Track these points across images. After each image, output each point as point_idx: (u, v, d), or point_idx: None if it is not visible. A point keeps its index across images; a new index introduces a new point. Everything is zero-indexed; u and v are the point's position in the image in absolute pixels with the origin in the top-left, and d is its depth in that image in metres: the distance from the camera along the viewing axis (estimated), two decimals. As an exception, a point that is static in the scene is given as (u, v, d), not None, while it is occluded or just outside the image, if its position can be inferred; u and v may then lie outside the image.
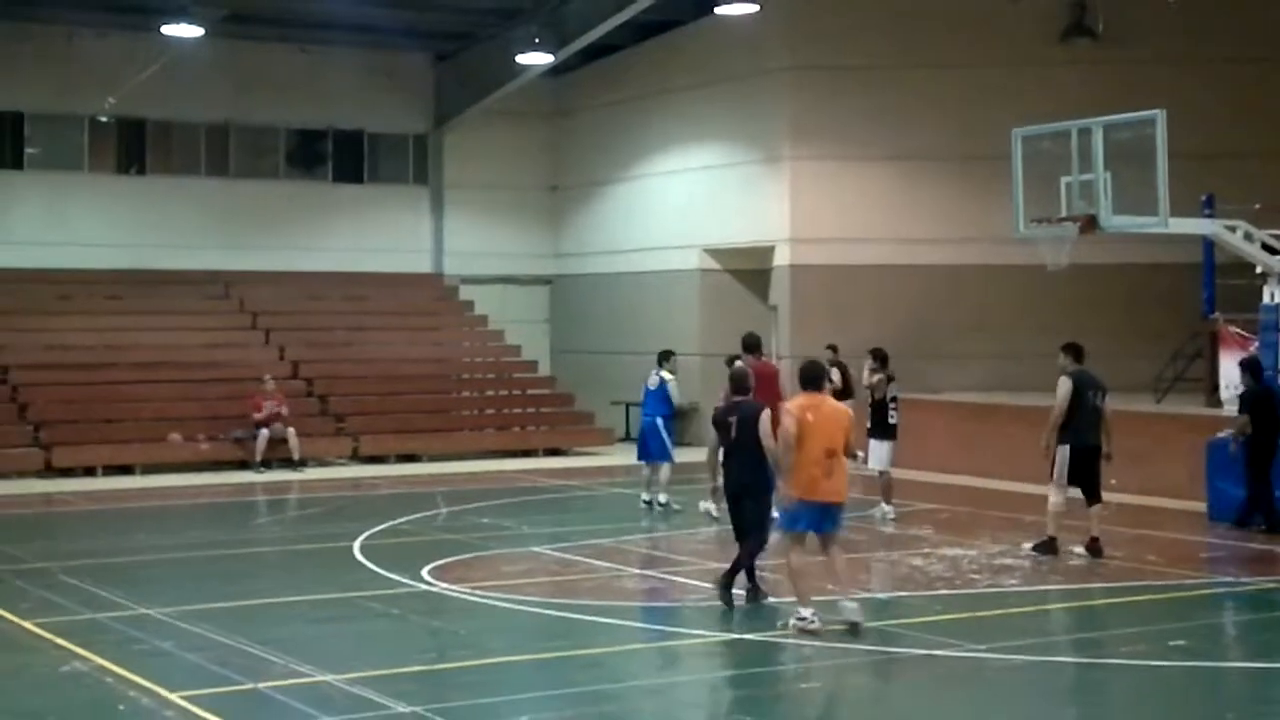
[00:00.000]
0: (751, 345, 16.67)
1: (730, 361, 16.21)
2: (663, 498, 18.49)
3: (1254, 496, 16.64)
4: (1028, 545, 15.64)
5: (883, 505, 17.85)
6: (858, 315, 26.02)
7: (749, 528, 12.68)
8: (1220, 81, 25.84)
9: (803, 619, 11.69)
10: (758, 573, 12.98)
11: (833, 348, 22.08)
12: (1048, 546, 15.35)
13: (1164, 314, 24.00)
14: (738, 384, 13.01)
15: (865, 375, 18.42)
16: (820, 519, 11.87)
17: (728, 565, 12.80)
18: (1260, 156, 25.07)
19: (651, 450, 18.66)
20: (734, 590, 12.63)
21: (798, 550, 11.89)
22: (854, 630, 11.63)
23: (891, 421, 17.98)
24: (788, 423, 11.69)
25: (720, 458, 12.70)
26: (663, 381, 18.55)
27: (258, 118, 31.10)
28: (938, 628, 12.17)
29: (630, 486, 22.46)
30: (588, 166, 32.25)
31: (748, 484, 12.53)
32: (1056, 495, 15.41)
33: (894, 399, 18.04)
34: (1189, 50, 25.84)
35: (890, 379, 18.08)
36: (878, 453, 17.92)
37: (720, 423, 12.71)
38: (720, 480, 12.75)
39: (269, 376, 25.68)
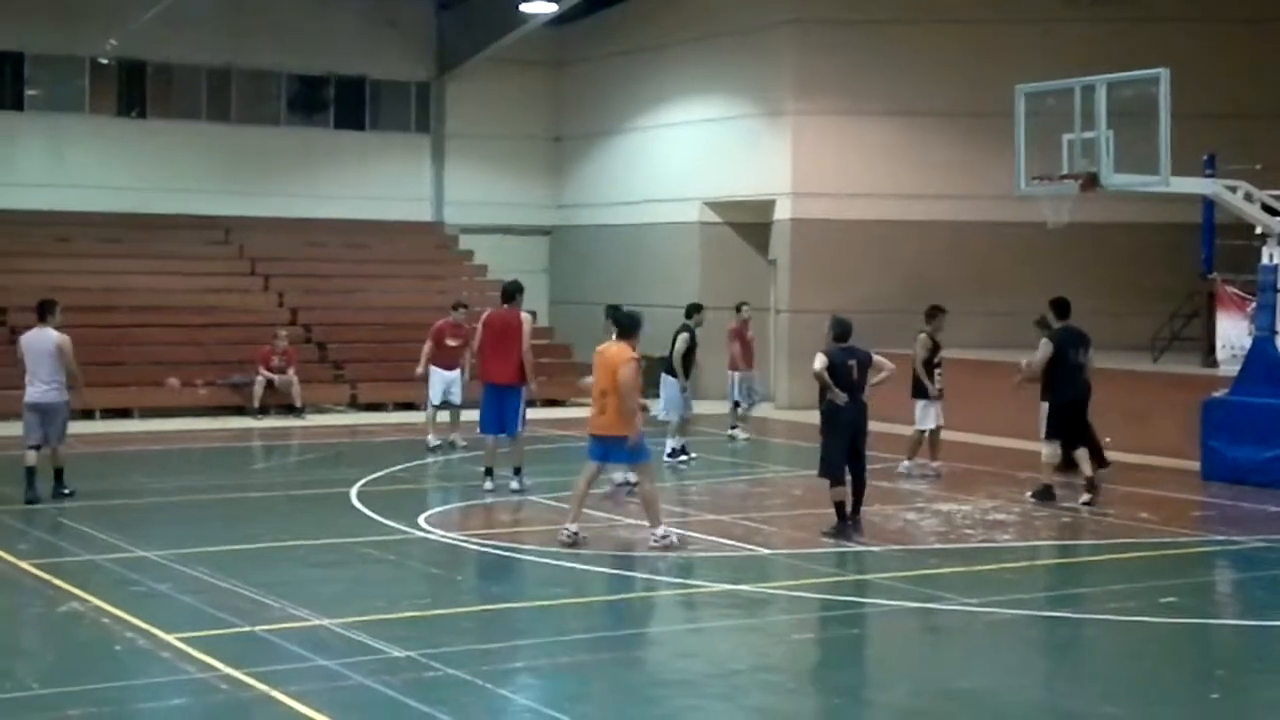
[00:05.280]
0: (510, 293, 16.60)
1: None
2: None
3: None
4: (1029, 494, 16.15)
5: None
6: (857, 270, 26.03)
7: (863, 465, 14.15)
8: (1224, 41, 25.76)
9: (665, 536, 13.16)
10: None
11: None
12: (1045, 494, 15.94)
13: (1163, 273, 24.01)
14: (843, 331, 14.07)
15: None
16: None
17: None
18: (1263, 117, 25.02)
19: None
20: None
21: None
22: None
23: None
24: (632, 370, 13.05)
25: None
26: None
27: (259, 62, 30.99)
28: (931, 581, 12.25)
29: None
30: (589, 117, 32.16)
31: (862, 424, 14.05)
32: (1047, 448, 16.13)
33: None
34: (1193, 9, 25.74)
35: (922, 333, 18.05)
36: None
37: (841, 367, 13.76)
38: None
39: (283, 331, 25.68)
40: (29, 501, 15.29)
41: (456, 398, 20.37)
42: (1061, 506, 15.71)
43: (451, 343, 20.35)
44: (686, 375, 18.41)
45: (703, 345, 19.12)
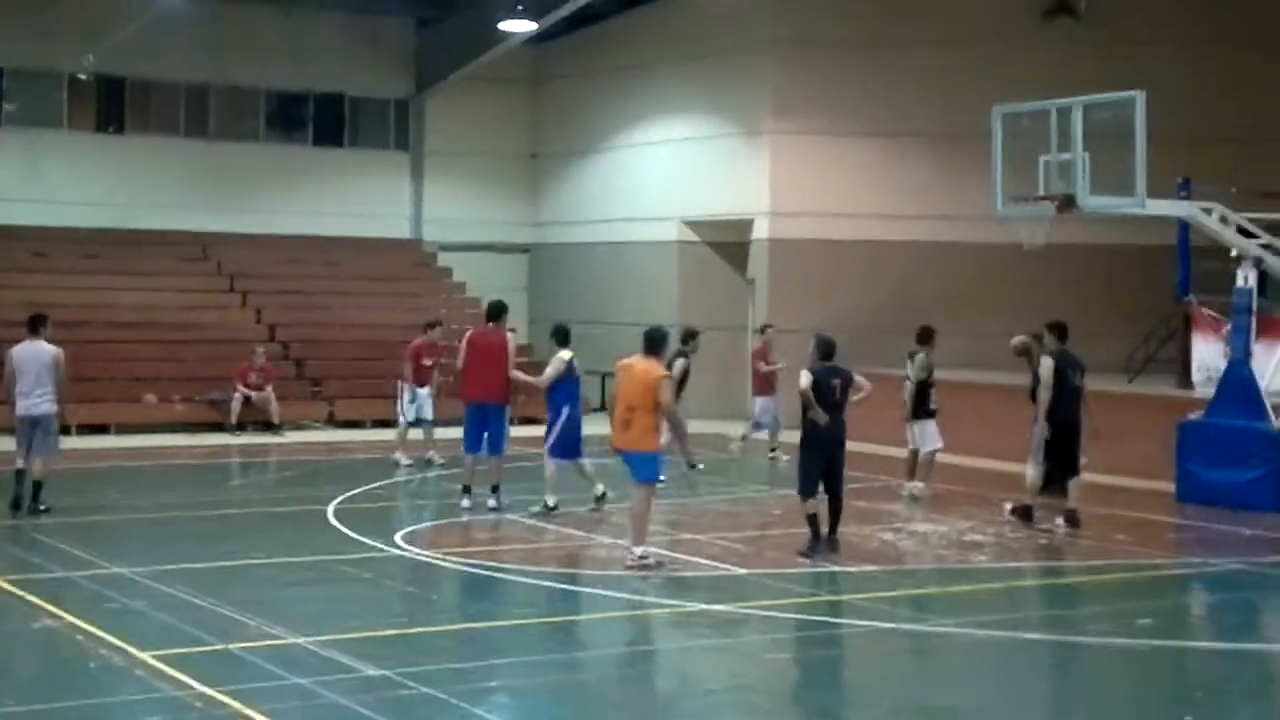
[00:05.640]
0: (494, 313, 16.63)
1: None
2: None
3: None
4: (1008, 505, 16.17)
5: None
6: (835, 290, 26.08)
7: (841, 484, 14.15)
8: (1200, 64, 25.92)
9: (644, 556, 13.14)
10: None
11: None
12: (1025, 513, 15.85)
13: (1139, 295, 24.10)
14: (828, 350, 14.18)
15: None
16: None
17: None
18: (1238, 139, 25.17)
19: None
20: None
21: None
22: None
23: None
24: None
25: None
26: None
27: (238, 79, 30.96)
28: (907, 602, 12.28)
29: (604, 455, 22.50)
30: (568, 136, 32.20)
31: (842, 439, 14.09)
32: (1033, 470, 15.86)
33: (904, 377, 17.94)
34: (1170, 32, 25.89)
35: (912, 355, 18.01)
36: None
37: (824, 385, 13.85)
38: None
39: (261, 348, 25.65)
40: (14, 503, 15.40)
41: (429, 414, 20.41)
42: (1038, 528, 15.72)
43: (427, 362, 20.49)
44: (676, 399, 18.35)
45: (698, 367, 19.33)
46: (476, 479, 16.51)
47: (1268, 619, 12.92)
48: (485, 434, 16.40)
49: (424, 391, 20.50)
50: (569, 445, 16.09)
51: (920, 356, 17.83)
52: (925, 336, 18.02)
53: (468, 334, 16.95)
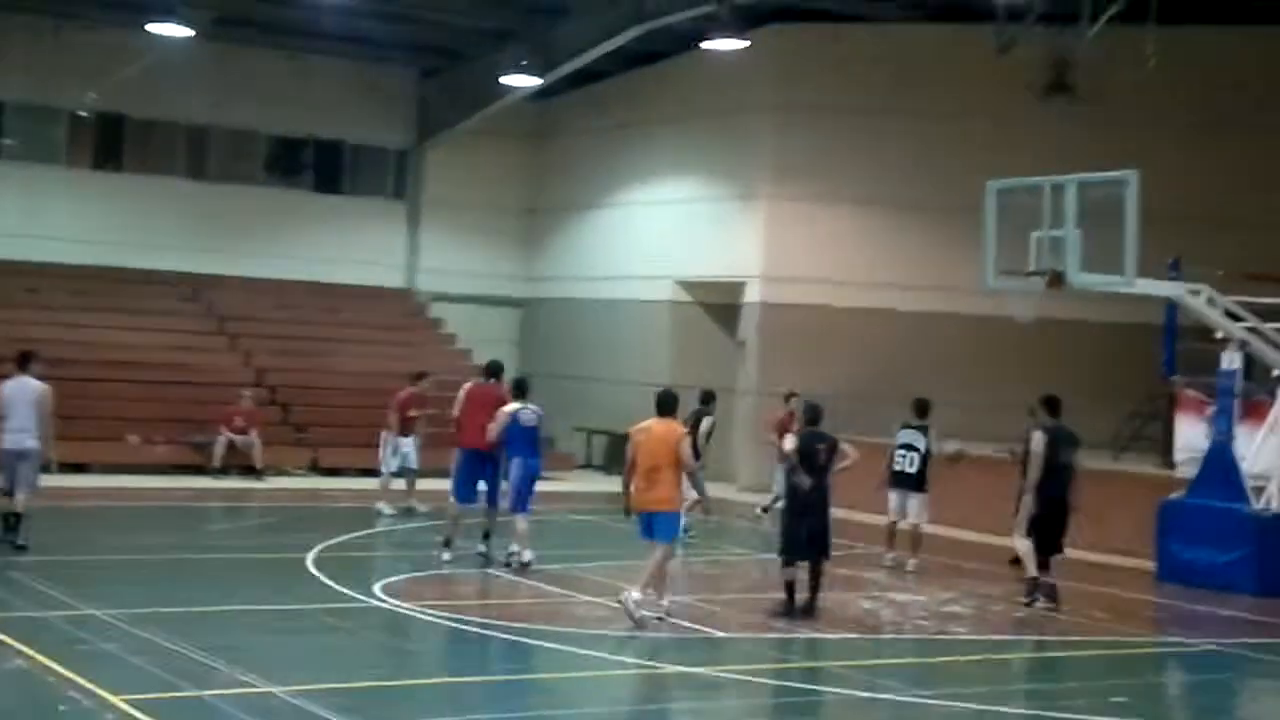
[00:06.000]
0: (493, 371, 16.90)
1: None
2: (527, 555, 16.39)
3: None
4: (1024, 600, 15.54)
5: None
6: (825, 356, 26.13)
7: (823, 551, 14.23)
8: (1194, 146, 26.11)
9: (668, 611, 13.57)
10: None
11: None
12: (1050, 592, 15.44)
13: (1126, 372, 24.15)
14: (814, 415, 14.45)
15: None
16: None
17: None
18: (1229, 220, 25.32)
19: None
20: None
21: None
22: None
23: (894, 469, 17.88)
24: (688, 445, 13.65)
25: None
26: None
27: (239, 122, 31.11)
28: (882, 671, 12.25)
29: (589, 513, 22.51)
30: (566, 191, 32.34)
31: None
32: (1022, 544, 15.71)
33: (900, 446, 17.89)
34: (1165, 114, 26.09)
35: (904, 425, 17.99)
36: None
37: (809, 450, 14.01)
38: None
39: (247, 392, 25.66)
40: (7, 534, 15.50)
41: (414, 463, 20.45)
42: (1018, 601, 15.69)
43: (414, 413, 20.57)
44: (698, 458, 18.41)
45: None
46: (460, 530, 16.48)
47: (1243, 700, 12.90)
48: (480, 481, 16.41)
49: (409, 441, 20.56)
50: (522, 497, 16.09)
51: (932, 432, 17.85)
52: (924, 410, 18.00)
53: (466, 387, 17.04)
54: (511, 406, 16.02)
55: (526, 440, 16.04)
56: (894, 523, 17.94)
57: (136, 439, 24.73)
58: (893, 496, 17.84)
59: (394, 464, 20.59)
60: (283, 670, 10.89)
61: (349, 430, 26.64)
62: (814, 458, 14.10)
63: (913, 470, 17.74)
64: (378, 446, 20.93)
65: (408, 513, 20.19)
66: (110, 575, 15.17)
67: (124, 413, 25.36)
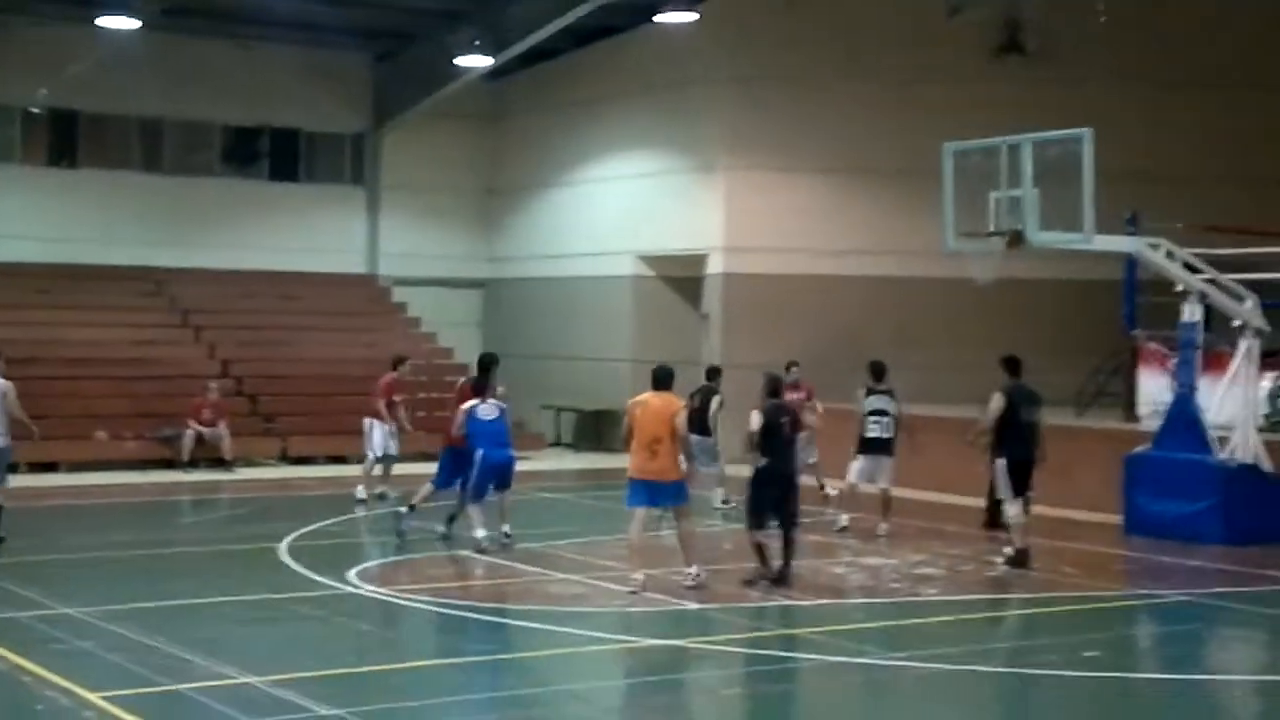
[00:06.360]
0: (485, 365, 17.00)
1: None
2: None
3: None
4: (1000, 560, 15.63)
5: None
6: (789, 324, 26.19)
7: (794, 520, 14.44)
8: (1147, 102, 26.28)
9: (699, 575, 13.94)
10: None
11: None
12: (1019, 559, 15.45)
13: (1088, 329, 24.34)
14: (776, 387, 14.76)
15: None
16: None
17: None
18: (1185, 176, 25.52)
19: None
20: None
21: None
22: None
23: (868, 435, 17.83)
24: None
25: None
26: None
27: (193, 113, 30.92)
28: (856, 635, 12.36)
29: (561, 491, 22.57)
30: (524, 171, 32.30)
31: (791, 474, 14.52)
32: (1013, 508, 15.63)
33: (871, 413, 17.84)
34: (1118, 70, 26.24)
35: (869, 391, 17.97)
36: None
37: (774, 424, 14.21)
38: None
39: (214, 384, 25.59)
40: None
41: (394, 450, 20.52)
42: (991, 560, 15.81)
43: (397, 399, 20.57)
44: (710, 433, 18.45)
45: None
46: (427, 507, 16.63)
47: (1213, 650, 13.06)
48: (460, 479, 16.52)
49: (390, 428, 20.52)
50: (475, 487, 16.18)
51: (894, 392, 17.90)
52: (885, 371, 18.05)
53: (460, 383, 17.44)
54: (470, 404, 16.27)
55: (487, 434, 16.17)
56: (854, 486, 17.93)
57: (104, 435, 24.64)
58: (863, 463, 17.82)
59: (380, 450, 20.45)
60: (260, 661, 10.92)
61: (317, 418, 26.65)
62: (779, 430, 14.25)
63: (888, 436, 17.78)
64: (365, 434, 20.73)
65: (380, 498, 20.17)
66: (83, 573, 15.15)
67: (91, 410, 25.25)
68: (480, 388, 16.52)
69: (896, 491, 18.18)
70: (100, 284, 29.23)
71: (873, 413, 17.84)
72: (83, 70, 27.75)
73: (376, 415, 20.43)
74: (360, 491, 20.19)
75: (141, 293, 29.70)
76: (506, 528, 16.38)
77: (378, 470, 20.54)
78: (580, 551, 16.33)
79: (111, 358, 26.96)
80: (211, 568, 15.63)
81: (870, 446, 17.80)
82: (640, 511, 14.06)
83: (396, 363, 21.15)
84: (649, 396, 14.00)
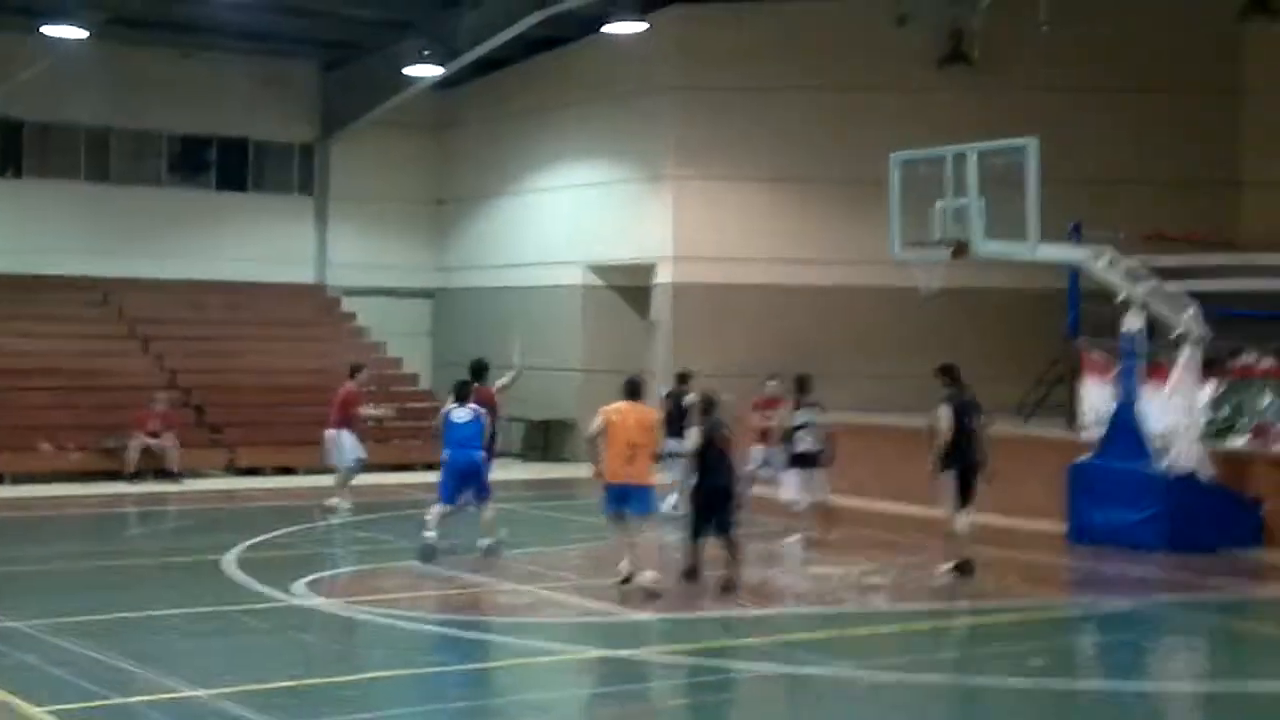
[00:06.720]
0: (477, 372, 17.30)
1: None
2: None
3: None
4: (945, 567, 15.66)
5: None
6: (737, 334, 26.32)
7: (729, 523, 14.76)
8: (1092, 110, 26.49)
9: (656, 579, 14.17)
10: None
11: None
12: (964, 568, 15.52)
13: (1031, 338, 24.44)
14: (710, 405, 15.07)
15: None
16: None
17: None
18: (1126, 183, 25.76)
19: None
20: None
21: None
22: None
23: (798, 450, 17.80)
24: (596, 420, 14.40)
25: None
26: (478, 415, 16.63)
27: (140, 122, 30.72)
28: (804, 645, 12.41)
29: (510, 501, 22.53)
30: (473, 180, 32.29)
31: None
32: (961, 519, 15.66)
33: (798, 426, 17.84)
34: (1062, 79, 26.45)
35: (796, 404, 18.01)
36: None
37: (711, 439, 14.69)
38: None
39: (161, 395, 25.44)
40: None
41: (361, 455, 20.69)
42: (939, 572, 15.89)
43: (359, 409, 20.70)
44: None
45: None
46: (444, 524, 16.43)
47: (1157, 657, 13.20)
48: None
49: (352, 436, 20.51)
50: (441, 487, 16.35)
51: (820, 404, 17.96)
52: (810, 383, 18.04)
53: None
54: (446, 407, 16.48)
55: (455, 437, 16.27)
56: (793, 502, 17.89)
57: (49, 447, 24.45)
58: (797, 476, 17.79)
59: (351, 458, 20.45)
60: (206, 673, 10.87)
61: (265, 429, 26.53)
62: (718, 444, 14.77)
63: (818, 448, 17.80)
64: (328, 445, 20.69)
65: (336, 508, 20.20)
66: (27, 586, 15.02)
67: (36, 421, 25.03)
68: (463, 392, 16.60)
69: (848, 501, 18.26)
70: (46, 294, 28.99)
71: (800, 426, 17.83)
72: (28, 79, 27.52)
73: (345, 424, 20.43)
74: (339, 501, 20.11)
75: (88, 303, 29.48)
76: (485, 541, 16.28)
77: (351, 480, 20.54)
78: (530, 561, 16.34)
79: (58, 368, 26.73)
80: (158, 580, 15.56)
81: (801, 460, 17.80)
82: (615, 516, 14.49)
83: (354, 371, 21.22)
84: (624, 405, 14.45)
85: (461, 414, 16.39)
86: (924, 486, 16.82)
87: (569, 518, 18.42)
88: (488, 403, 17.09)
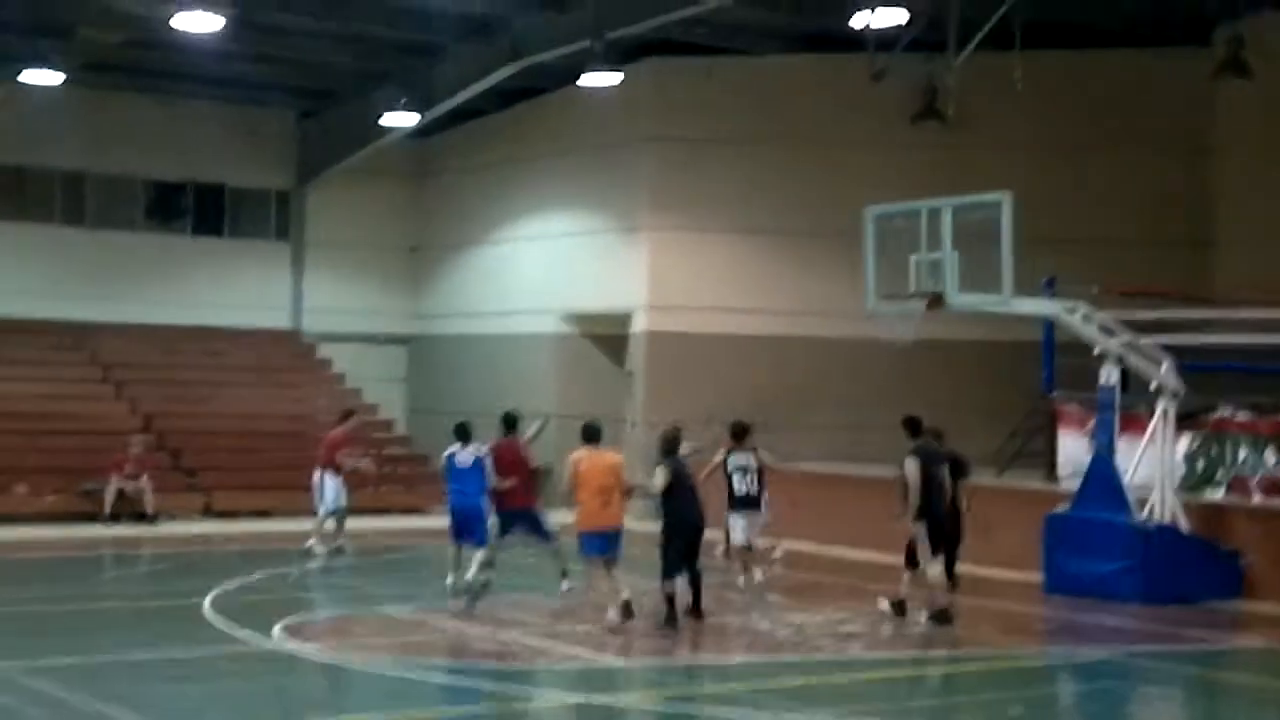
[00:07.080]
0: (510, 423, 17.24)
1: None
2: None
3: None
4: (922, 617, 15.69)
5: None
6: (712, 382, 26.36)
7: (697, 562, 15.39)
8: (1065, 168, 26.79)
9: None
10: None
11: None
12: (941, 617, 15.60)
13: (1006, 390, 24.57)
14: (672, 444, 15.53)
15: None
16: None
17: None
18: (1102, 240, 26.00)
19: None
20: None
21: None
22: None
23: (736, 494, 17.61)
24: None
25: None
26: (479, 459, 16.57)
27: (116, 168, 30.76)
28: (780, 694, 12.43)
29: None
30: (449, 229, 32.40)
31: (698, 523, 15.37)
32: (934, 568, 15.73)
33: (734, 470, 17.65)
34: (1035, 137, 26.76)
35: (730, 450, 17.87)
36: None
37: (681, 474, 15.22)
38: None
39: (136, 439, 25.38)
40: None
41: (344, 502, 20.71)
42: (916, 620, 15.93)
43: (346, 452, 20.80)
44: None
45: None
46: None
47: (1134, 708, 13.27)
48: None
49: (338, 481, 20.61)
50: (452, 528, 16.51)
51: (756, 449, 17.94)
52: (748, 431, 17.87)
53: (489, 444, 16.88)
54: (451, 449, 16.47)
55: (460, 478, 16.32)
56: (744, 546, 17.74)
57: (24, 489, 24.37)
58: (738, 519, 17.56)
59: (333, 502, 20.50)
60: (182, 717, 10.84)
61: (241, 473, 26.48)
62: (686, 480, 15.29)
63: (755, 492, 17.72)
64: (313, 488, 20.73)
65: (337, 552, 20.21)
66: (4, 628, 14.96)
67: (11, 464, 24.93)
68: (464, 434, 16.47)
69: (811, 548, 18.34)
70: (20, 337, 28.92)
71: (736, 470, 17.64)
72: (4, 123, 27.53)
73: (330, 468, 20.47)
74: (317, 545, 20.11)
75: (62, 347, 29.42)
76: (469, 575, 16.19)
77: (330, 525, 20.52)
78: (503, 607, 16.32)
79: (31, 411, 26.66)
80: (134, 624, 15.49)
81: (740, 503, 17.66)
82: (598, 559, 14.92)
83: (344, 416, 21.41)
84: (586, 452, 14.77)
85: (464, 457, 16.36)
86: (888, 535, 16.85)
87: (546, 562, 18.40)
88: (518, 455, 16.87)
